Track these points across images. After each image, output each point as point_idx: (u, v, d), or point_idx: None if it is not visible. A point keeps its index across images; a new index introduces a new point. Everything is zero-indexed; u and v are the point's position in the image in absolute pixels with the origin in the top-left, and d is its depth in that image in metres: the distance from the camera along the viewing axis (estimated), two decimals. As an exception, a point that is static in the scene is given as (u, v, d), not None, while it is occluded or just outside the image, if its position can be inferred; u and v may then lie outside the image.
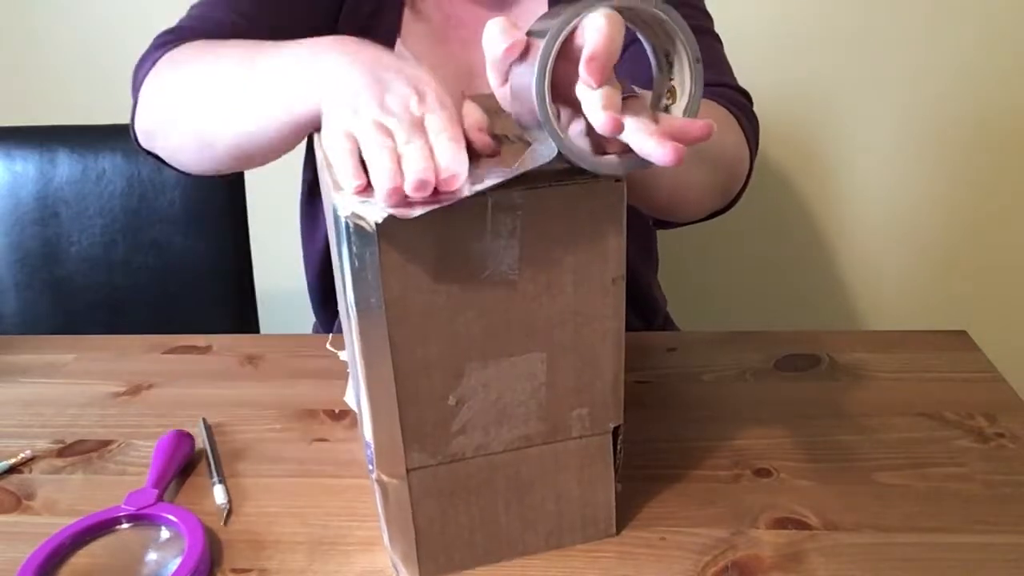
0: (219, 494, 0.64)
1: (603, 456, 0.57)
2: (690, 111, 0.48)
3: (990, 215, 1.42)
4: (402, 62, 0.55)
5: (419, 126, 0.49)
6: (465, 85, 0.85)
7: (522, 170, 0.46)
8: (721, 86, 0.79)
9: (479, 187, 0.46)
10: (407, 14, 0.87)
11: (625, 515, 0.60)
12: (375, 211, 0.45)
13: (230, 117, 0.64)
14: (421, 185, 0.45)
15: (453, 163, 0.46)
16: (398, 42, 0.87)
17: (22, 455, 0.70)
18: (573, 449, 0.56)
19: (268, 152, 0.64)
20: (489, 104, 0.61)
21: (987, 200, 1.42)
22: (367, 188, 0.47)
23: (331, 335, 0.87)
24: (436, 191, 0.46)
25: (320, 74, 0.55)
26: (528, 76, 0.45)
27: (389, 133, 0.48)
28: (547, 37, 0.45)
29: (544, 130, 0.45)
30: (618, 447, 0.57)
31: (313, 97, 0.56)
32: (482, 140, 0.52)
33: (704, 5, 0.91)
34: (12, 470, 0.69)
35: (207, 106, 0.66)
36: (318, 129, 0.57)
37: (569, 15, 0.45)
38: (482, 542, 0.56)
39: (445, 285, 0.49)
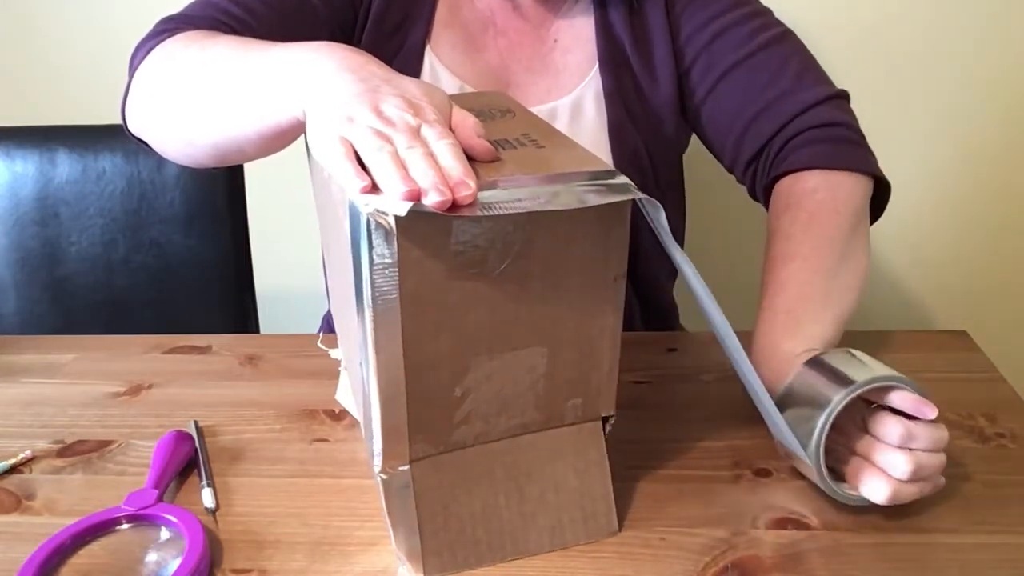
0: (207, 498, 0.64)
1: (596, 443, 0.58)
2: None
3: (990, 215, 1.42)
4: (390, 71, 0.55)
5: (417, 134, 0.49)
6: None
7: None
8: (819, 127, 0.83)
9: (501, 211, 0.46)
10: (438, 22, 0.86)
11: (625, 515, 0.60)
12: (397, 206, 0.45)
13: (210, 117, 0.63)
14: (440, 205, 0.45)
15: (460, 171, 0.47)
16: (427, 49, 0.85)
17: (22, 455, 0.70)
18: (567, 435, 0.57)
19: (250, 153, 0.64)
20: (476, 105, 0.61)
21: (987, 200, 1.41)
22: (373, 188, 0.47)
23: (321, 333, 0.87)
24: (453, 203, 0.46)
25: (306, 80, 0.55)
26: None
27: (388, 140, 0.48)
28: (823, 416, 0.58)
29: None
30: (606, 437, 0.58)
31: (297, 103, 0.55)
32: (482, 146, 0.51)
33: (758, 7, 0.88)
34: (12, 470, 0.69)
35: (189, 104, 0.66)
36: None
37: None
38: (485, 538, 0.57)
39: (459, 282, 0.50)
